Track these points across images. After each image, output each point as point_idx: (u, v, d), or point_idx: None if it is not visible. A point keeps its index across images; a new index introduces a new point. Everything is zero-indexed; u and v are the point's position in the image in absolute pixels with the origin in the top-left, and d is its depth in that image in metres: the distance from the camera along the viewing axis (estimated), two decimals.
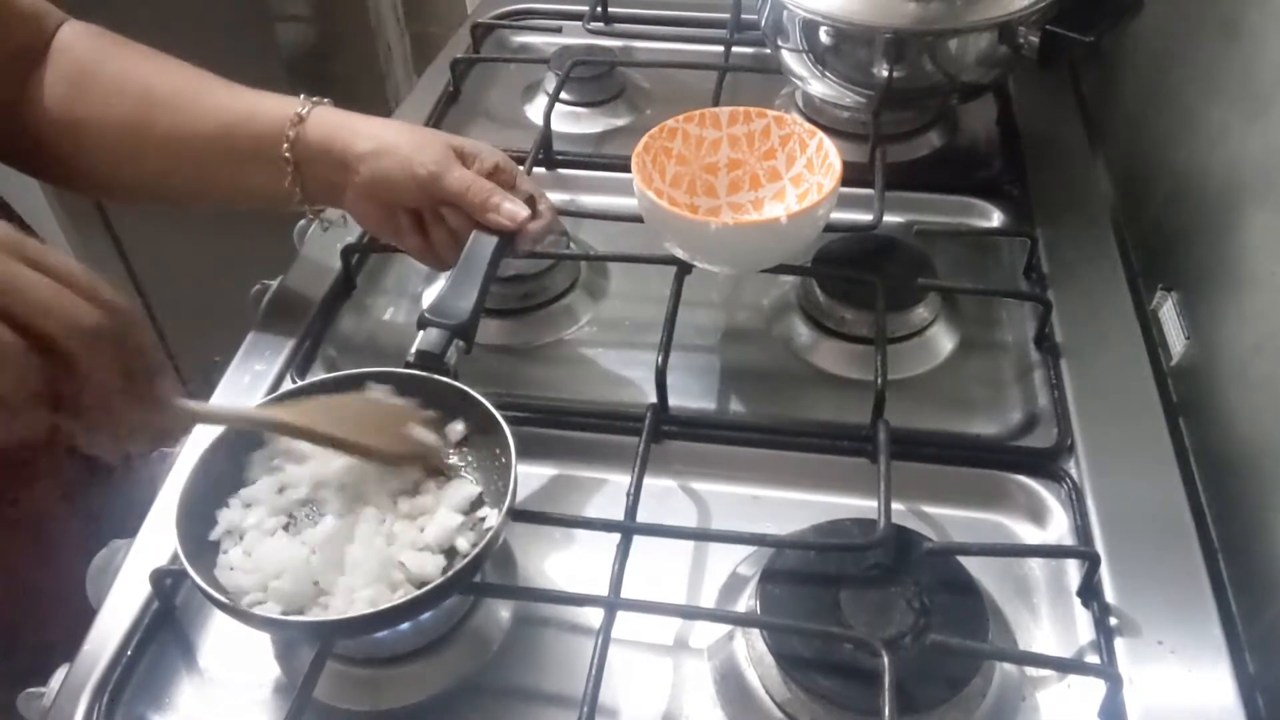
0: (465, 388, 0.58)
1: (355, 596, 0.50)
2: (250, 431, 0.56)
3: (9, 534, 0.70)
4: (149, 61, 0.69)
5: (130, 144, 0.67)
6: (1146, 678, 0.53)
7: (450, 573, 0.50)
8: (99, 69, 0.68)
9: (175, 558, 0.52)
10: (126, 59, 0.69)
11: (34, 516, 0.72)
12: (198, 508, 0.53)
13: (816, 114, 0.92)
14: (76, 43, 0.69)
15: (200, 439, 0.56)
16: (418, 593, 0.49)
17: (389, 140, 0.64)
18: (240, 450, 0.56)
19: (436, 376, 0.59)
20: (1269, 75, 0.68)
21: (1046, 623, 0.58)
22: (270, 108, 0.66)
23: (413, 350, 0.60)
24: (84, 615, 0.58)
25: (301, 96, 0.66)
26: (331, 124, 0.65)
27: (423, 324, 0.61)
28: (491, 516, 0.54)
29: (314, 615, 0.50)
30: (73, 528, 0.74)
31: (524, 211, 0.64)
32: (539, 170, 0.88)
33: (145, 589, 0.57)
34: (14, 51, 0.67)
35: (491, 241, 0.64)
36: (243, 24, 1.73)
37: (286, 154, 0.65)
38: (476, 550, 0.50)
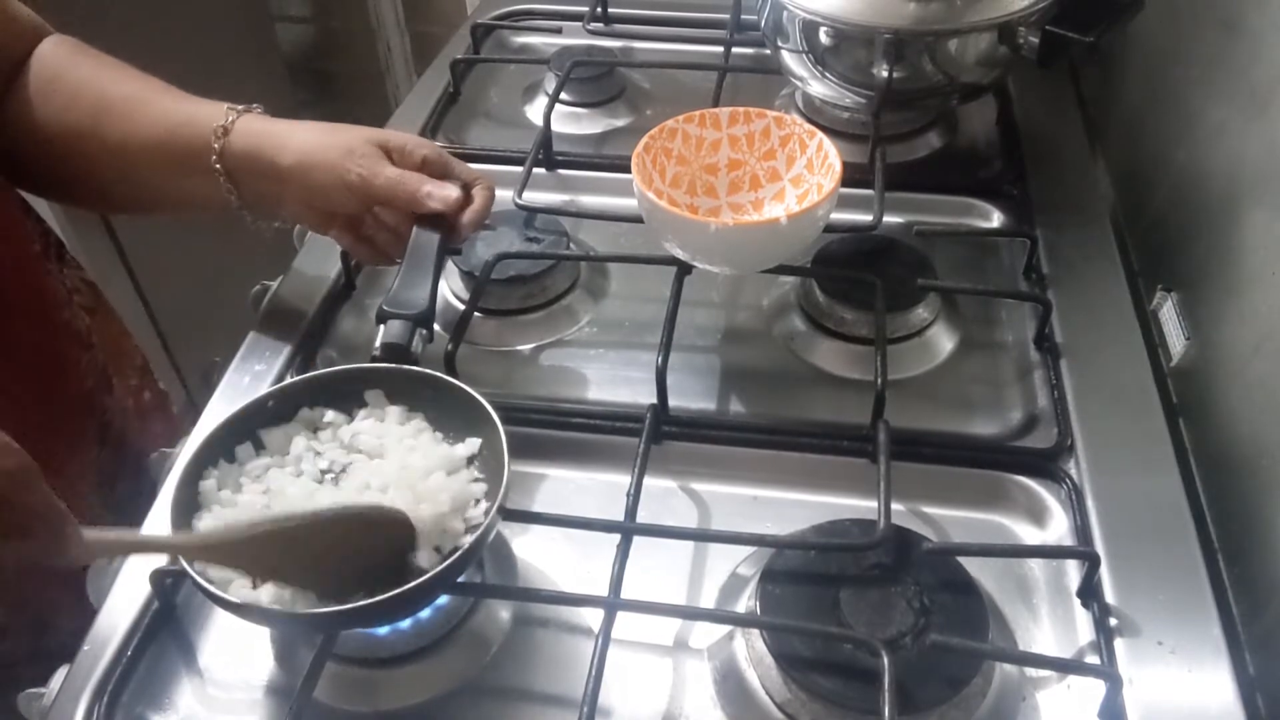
0: (466, 386, 0.58)
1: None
2: (241, 433, 0.56)
3: None
4: (108, 71, 0.69)
5: (84, 150, 0.67)
6: (1146, 678, 0.53)
7: (443, 565, 0.50)
8: (62, 77, 0.68)
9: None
10: (87, 68, 0.69)
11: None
12: (189, 506, 0.52)
13: (816, 114, 0.92)
14: (48, 53, 0.69)
15: (198, 437, 0.56)
16: (413, 584, 0.49)
17: (314, 150, 0.64)
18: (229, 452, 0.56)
19: (445, 377, 0.59)
20: (1269, 75, 0.68)
21: (1046, 623, 0.58)
22: (206, 116, 0.65)
23: (378, 344, 0.61)
24: None
25: (226, 107, 0.66)
26: (256, 134, 0.65)
27: (382, 317, 0.62)
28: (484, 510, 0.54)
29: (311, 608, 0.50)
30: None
31: (454, 192, 0.64)
32: (539, 171, 0.88)
33: (145, 589, 0.57)
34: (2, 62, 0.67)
35: (434, 233, 0.65)
36: (243, 24, 1.73)
37: (216, 164, 0.65)
38: (469, 544, 0.50)
